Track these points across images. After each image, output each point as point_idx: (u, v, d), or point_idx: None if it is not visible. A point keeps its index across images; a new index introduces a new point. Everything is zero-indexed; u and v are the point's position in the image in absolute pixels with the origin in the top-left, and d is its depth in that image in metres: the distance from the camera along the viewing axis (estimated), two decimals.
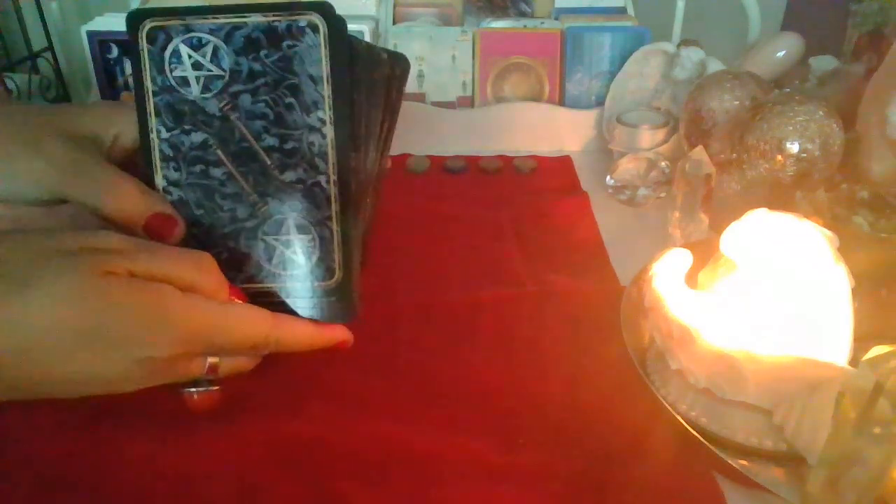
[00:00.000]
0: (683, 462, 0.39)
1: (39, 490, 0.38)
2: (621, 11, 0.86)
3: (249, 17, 0.33)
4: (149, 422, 0.42)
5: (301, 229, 0.36)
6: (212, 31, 0.34)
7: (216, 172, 0.36)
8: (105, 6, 0.82)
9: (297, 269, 0.36)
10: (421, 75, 0.79)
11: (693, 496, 0.38)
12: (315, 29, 0.34)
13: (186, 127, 0.35)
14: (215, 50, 0.34)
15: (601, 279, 0.57)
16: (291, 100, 0.34)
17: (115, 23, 0.79)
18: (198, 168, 0.36)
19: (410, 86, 0.79)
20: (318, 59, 0.34)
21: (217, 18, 0.34)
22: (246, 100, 0.34)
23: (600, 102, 0.79)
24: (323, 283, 0.36)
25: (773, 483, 0.36)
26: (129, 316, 0.31)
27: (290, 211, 0.35)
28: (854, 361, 0.37)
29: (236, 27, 0.34)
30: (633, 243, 0.61)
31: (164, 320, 0.32)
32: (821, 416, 0.35)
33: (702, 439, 0.37)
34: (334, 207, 0.35)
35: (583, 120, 0.80)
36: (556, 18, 0.84)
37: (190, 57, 0.34)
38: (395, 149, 0.78)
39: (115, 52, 0.79)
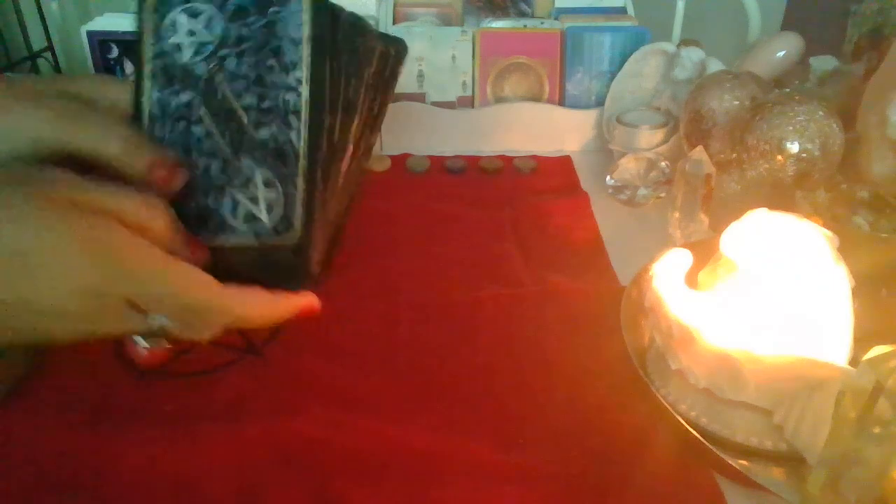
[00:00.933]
0: (683, 462, 0.39)
1: (40, 490, 0.38)
2: (621, 11, 0.86)
3: None
4: (149, 422, 0.42)
5: (267, 184, 0.36)
6: (208, 1, 0.37)
7: (196, 130, 0.37)
8: (105, 6, 0.82)
9: (258, 225, 0.37)
10: (421, 75, 0.79)
11: (693, 496, 0.38)
12: None
13: (175, 88, 0.37)
14: (209, 18, 0.37)
15: (601, 279, 0.57)
16: (273, 62, 0.36)
17: (115, 23, 0.79)
18: (181, 126, 0.37)
19: (410, 86, 0.79)
20: (299, 24, 0.36)
21: None
22: (231, 62, 0.36)
23: (600, 102, 0.79)
24: (280, 238, 0.36)
25: (773, 483, 0.36)
26: (64, 242, 0.30)
27: (259, 166, 0.36)
28: (854, 361, 0.37)
29: None
30: (633, 243, 0.61)
31: (100, 251, 0.31)
32: (821, 416, 0.35)
33: (702, 439, 0.37)
34: (302, 164, 0.36)
35: (583, 120, 0.80)
36: (556, 18, 0.84)
37: (185, 25, 0.37)
38: (396, 149, 0.78)
39: (115, 51, 0.79)
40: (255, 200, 0.36)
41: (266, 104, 0.36)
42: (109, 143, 0.35)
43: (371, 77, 0.39)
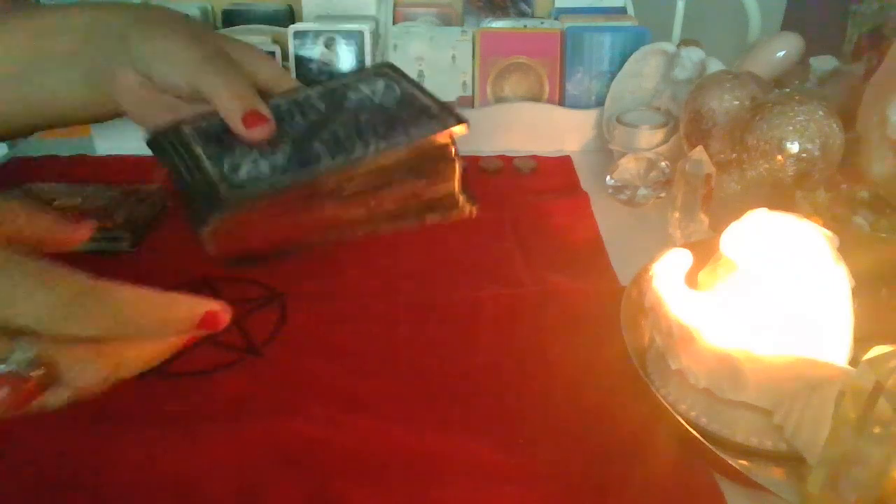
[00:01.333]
0: (683, 462, 0.39)
1: (40, 490, 0.38)
2: (621, 11, 0.86)
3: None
4: (149, 422, 0.42)
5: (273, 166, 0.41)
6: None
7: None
8: None
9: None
10: (421, 75, 0.79)
11: (693, 496, 0.38)
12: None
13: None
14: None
15: (601, 279, 0.57)
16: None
17: None
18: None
19: None
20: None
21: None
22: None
23: (600, 102, 0.79)
24: (227, 188, 0.38)
25: (773, 483, 0.36)
26: None
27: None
28: (854, 361, 0.37)
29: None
30: (633, 243, 0.61)
31: None
32: (821, 416, 0.35)
33: (702, 439, 0.37)
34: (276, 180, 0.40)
35: (583, 120, 0.80)
36: (556, 18, 0.84)
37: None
38: None
39: None
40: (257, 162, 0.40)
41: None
42: (222, 96, 0.42)
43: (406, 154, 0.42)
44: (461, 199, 0.44)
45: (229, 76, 0.43)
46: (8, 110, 0.52)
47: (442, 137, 0.41)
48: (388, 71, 0.50)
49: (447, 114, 0.43)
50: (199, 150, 0.43)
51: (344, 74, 0.53)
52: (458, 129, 0.42)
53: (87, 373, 0.28)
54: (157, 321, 0.29)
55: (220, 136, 0.44)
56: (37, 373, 0.27)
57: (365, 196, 0.41)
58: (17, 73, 0.51)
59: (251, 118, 0.42)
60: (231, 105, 0.42)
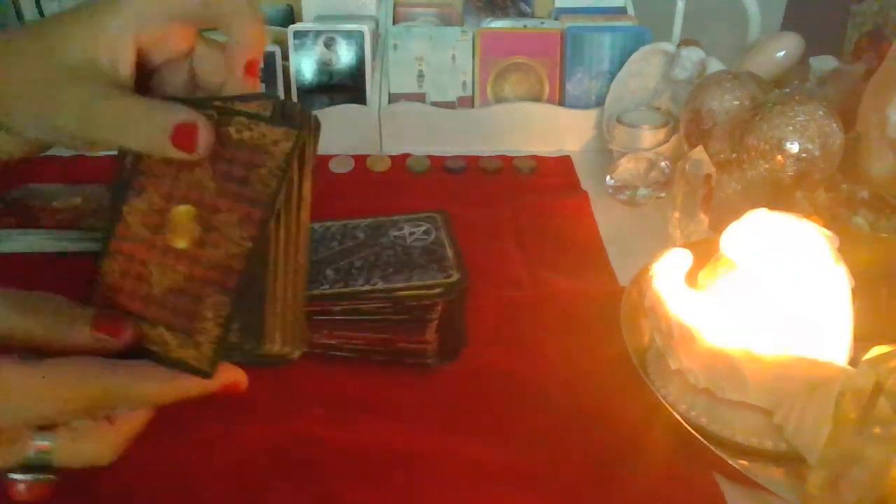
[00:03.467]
0: (683, 462, 0.39)
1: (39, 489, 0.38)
2: (621, 11, 0.86)
3: None
4: (149, 422, 0.42)
5: None
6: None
7: None
8: None
9: None
10: (421, 75, 0.79)
11: (693, 496, 0.38)
12: None
13: None
14: None
15: (601, 279, 0.56)
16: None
17: None
18: None
19: (410, 86, 0.79)
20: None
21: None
22: None
23: (600, 102, 0.79)
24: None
25: (773, 483, 0.36)
26: None
27: None
28: (854, 361, 0.37)
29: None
30: (633, 243, 0.61)
31: None
32: (821, 416, 0.35)
33: (702, 439, 0.37)
34: None
35: (583, 120, 0.80)
36: (556, 18, 0.84)
37: None
38: (396, 149, 0.78)
39: None
40: None
41: None
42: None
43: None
44: (431, 359, 0.46)
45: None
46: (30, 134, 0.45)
47: (433, 286, 0.46)
48: (438, 218, 0.55)
49: (452, 267, 0.48)
50: None
51: (398, 216, 0.56)
52: (450, 282, 0.46)
53: (99, 446, 0.31)
54: (172, 399, 0.31)
55: None
56: (49, 478, 0.30)
57: (342, 327, 0.43)
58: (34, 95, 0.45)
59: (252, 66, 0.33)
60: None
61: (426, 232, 0.52)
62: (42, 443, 0.29)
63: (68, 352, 0.29)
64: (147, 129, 0.30)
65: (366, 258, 0.48)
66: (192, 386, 0.32)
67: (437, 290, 0.45)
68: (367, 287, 0.45)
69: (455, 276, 0.46)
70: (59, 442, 0.30)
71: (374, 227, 0.53)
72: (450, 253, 0.50)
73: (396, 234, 0.51)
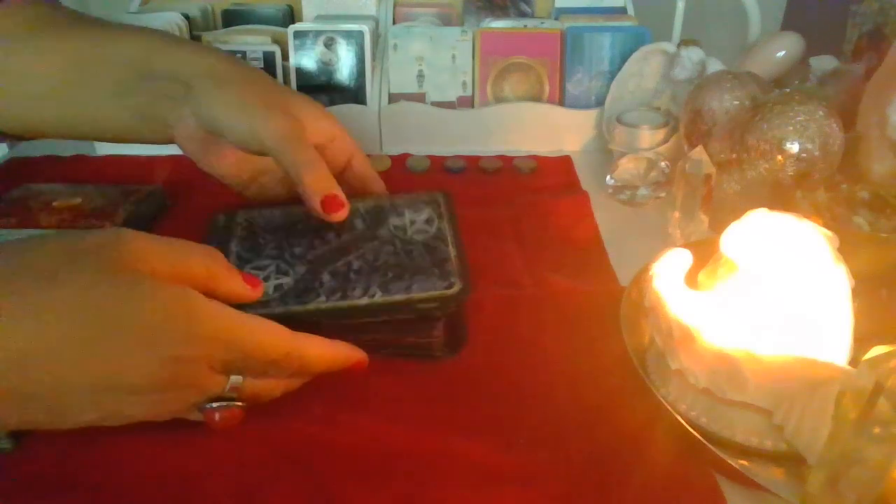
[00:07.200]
0: (683, 462, 0.39)
1: (39, 489, 0.38)
2: (621, 11, 0.86)
3: None
4: (149, 422, 0.42)
5: None
6: None
7: None
8: (105, 7, 0.82)
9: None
10: (421, 75, 0.79)
11: (693, 496, 0.38)
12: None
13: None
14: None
15: (601, 279, 0.56)
16: None
17: None
18: None
19: (410, 86, 0.79)
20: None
21: None
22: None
23: (600, 102, 0.79)
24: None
25: (773, 483, 0.36)
26: (155, 312, 0.32)
27: None
28: (854, 361, 0.37)
29: None
30: (633, 243, 0.61)
31: (188, 317, 0.33)
32: (821, 416, 0.35)
33: (702, 439, 0.37)
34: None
35: (583, 120, 0.80)
36: (556, 18, 0.84)
37: None
38: (396, 148, 0.78)
39: None
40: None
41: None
42: (305, 172, 0.46)
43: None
44: (438, 352, 0.47)
45: (309, 154, 0.46)
46: (46, 128, 0.54)
47: (432, 300, 0.46)
48: (441, 201, 0.55)
49: (454, 273, 0.47)
50: (232, 246, 0.49)
51: (399, 197, 0.56)
52: (451, 293, 0.46)
53: (271, 396, 0.40)
54: (326, 364, 0.40)
55: (261, 236, 0.49)
56: (240, 405, 0.38)
57: (342, 331, 0.44)
58: (55, 94, 0.51)
59: (329, 203, 0.46)
60: (312, 188, 0.46)
61: (428, 221, 0.51)
62: (235, 379, 0.37)
63: None
64: None
65: (364, 257, 0.48)
66: (341, 358, 0.40)
67: (435, 304, 0.46)
68: (366, 300, 0.44)
69: (456, 287, 0.46)
70: (246, 381, 0.37)
71: (373, 214, 0.52)
72: (452, 252, 0.49)
73: (397, 223, 0.50)
